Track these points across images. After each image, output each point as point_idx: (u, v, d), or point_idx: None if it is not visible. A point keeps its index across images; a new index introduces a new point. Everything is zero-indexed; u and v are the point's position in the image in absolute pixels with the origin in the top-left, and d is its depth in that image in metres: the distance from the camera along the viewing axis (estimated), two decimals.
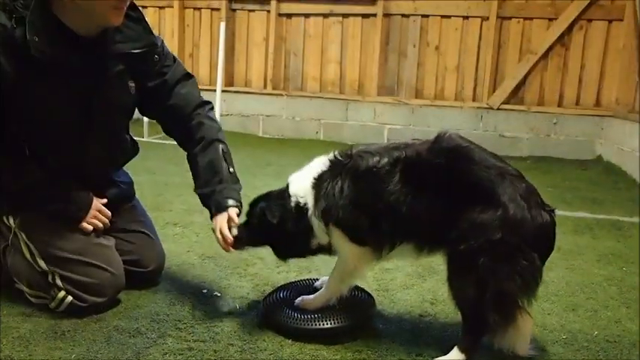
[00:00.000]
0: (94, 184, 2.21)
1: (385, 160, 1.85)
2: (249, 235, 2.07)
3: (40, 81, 1.93)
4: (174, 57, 2.29)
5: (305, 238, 1.97)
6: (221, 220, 2.09)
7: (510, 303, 1.76)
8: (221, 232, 2.07)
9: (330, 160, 1.95)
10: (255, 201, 2.09)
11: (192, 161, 2.26)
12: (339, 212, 1.87)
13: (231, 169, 2.21)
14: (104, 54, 2.03)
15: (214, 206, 2.14)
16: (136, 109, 2.32)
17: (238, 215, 2.12)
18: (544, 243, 1.79)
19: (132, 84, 2.16)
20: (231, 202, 2.12)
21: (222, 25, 5.86)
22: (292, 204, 1.96)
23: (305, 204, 1.94)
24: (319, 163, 1.97)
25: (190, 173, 2.26)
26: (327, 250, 2.03)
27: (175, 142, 2.36)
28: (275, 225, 1.96)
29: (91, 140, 2.11)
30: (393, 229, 1.86)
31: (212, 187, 2.16)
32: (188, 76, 2.31)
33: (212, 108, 2.35)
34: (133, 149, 2.39)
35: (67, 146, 2.09)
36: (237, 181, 2.23)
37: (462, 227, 1.74)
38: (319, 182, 1.92)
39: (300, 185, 1.96)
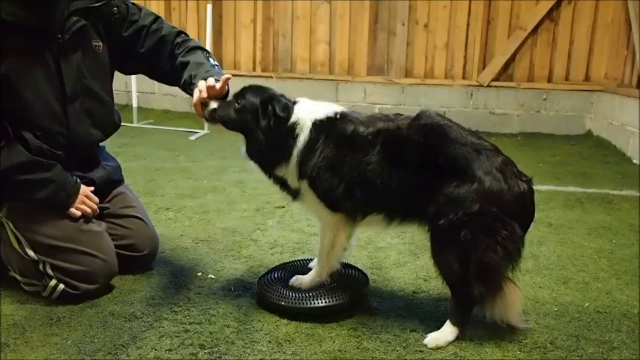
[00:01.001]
0: (80, 161, 2.19)
1: (370, 129, 1.89)
2: (232, 111, 1.99)
3: (8, 48, 1.92)
4: (136, 5, 2.31)
5: (277, 157, 1.96)
6: (210, 81, 2.00)
7: (494, 274, 1.79)
8: (207, 85, 1.98)
9: (329, 117, 1.95)
10: (258, 88, 2.04)
11: (176, 64, 2.23)
12: (313, 171, 1.90)
13: (215, 64, 2.20)
14: (62, 12, 2.02)
15: (200, 79, 2.06)
16: (125, 78, 2.31)
17: (227, 94, 2.06)
18: (523, 212, 1.82)
19: (97, 43, 2.16)
20: (223, 77, 2.05)
21: (209, 7, 5.78)
22: (291, 120, 1.94)
23: (296, 135, 1.93)
24: (328, 110, 1.97)
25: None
26: (291, 193, 2.03)
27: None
28: (278, 118, 1.92)
29: (70, 106, 2.09)
30: (366, 198, 1.90)
31: (197, 72, 2.12)
32: (157, 16, 2.35)
33: (187, 35, 2.37)
34: (117, 116, 2.36)
35: (48, 117, 2.05)
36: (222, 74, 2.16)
37: (440, 202, 1.78)
38: (314, 133, 1.92)
39: (305, 116, 1.95)
